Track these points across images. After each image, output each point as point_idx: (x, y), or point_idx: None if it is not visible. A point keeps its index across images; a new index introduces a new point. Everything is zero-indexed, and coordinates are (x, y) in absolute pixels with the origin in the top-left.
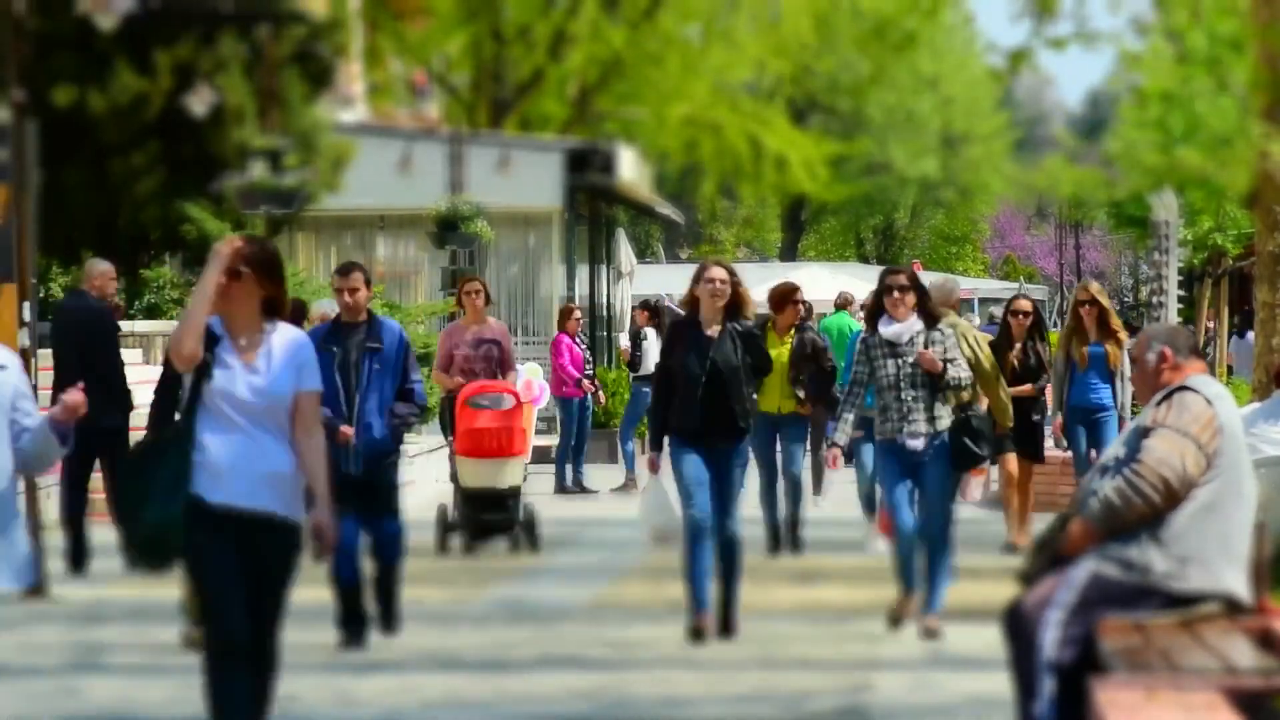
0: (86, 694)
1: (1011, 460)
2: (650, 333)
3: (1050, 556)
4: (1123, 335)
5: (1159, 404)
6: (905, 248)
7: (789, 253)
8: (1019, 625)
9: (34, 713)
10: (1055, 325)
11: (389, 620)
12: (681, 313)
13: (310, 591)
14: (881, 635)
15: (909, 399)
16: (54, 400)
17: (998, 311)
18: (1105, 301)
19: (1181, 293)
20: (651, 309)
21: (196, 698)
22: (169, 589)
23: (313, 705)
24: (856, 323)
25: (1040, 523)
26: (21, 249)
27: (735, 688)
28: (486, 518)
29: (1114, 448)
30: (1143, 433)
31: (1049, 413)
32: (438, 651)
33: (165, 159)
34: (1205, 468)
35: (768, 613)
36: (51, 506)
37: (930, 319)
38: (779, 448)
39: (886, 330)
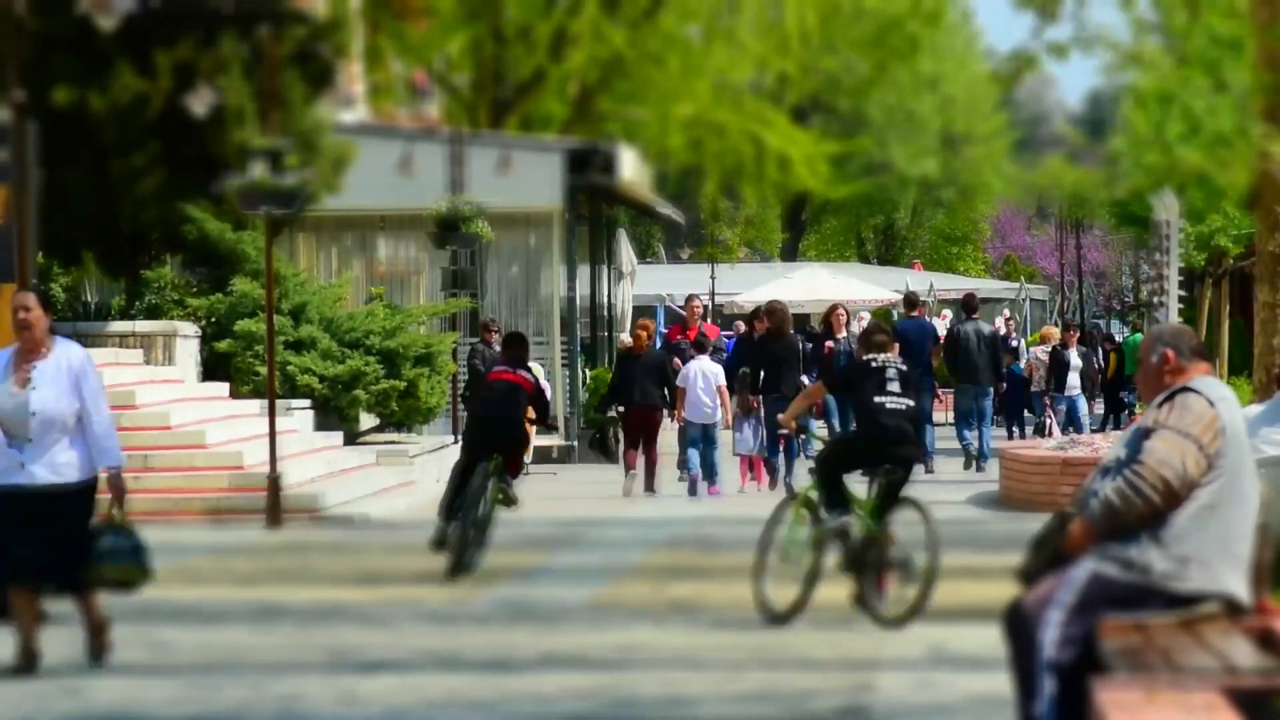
0: (89, 693)
1: None
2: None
3: (1050, 556)
4: None
5: (1161, 405)
6: (906, 248)
7: (790, 253)
8: (1019, 624)
9: (36, 712)
10: (1055, 325)
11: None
12: (681, 313)
13: (311, 592)
14: (883, 635)
15: None
16: None
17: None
18: None
19: (1182, 293)
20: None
21: (198, 696)
22: (170, 590)
23: (315, 704)
24: None
25: (1039, 521)
26: (22, 249)
27: (737, 687)
28: None
29: (1115, 449)
30: (1144, 434)
31: None
32: (439, 651)
33: (166, 159)
34: (1206, 469)
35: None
36: None
37: None
38: None
39: None
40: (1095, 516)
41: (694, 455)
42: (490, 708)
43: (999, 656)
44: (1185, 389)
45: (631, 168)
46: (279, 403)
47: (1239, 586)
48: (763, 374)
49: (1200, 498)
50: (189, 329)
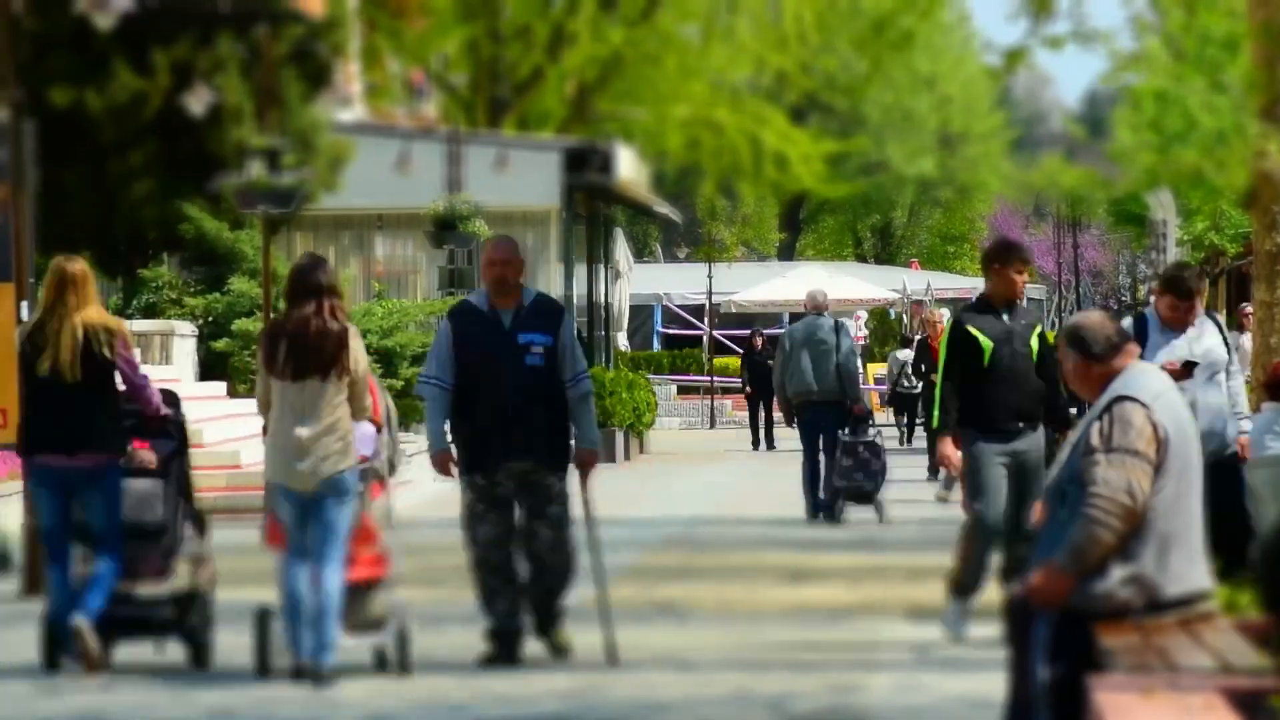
0: (64, 695)
1: None
2: None
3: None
4: None
5: (1099, 417)
6: (903, 247)
7: (787, 252)
8: (1019, 616)
9: (12, 714)
10: (1053, 326)
11: None
12: (681, 312)
13: None
14: (870, 636)
15: None
16: None
17: None
18: None
19: None
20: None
21: (172, 702)
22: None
23: (297, 706)
24: None
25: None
26: (19, 249)
27: (720, 689)
28: None
29: (1061, 469)
30: (1087, 450)
31: None
32: (422, 652)
33: (163, 158)
34: (1155, 478)
35: (756, 613)
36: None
37: None
38: None
39: None
40: (1064, 563)
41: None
42: (469, 709)
43: (986, 658)
44: (1121, 398)
45: (629, 167)
46: None
47: (1205, 578)
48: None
49: (1156, 507)
50: (186, 328)
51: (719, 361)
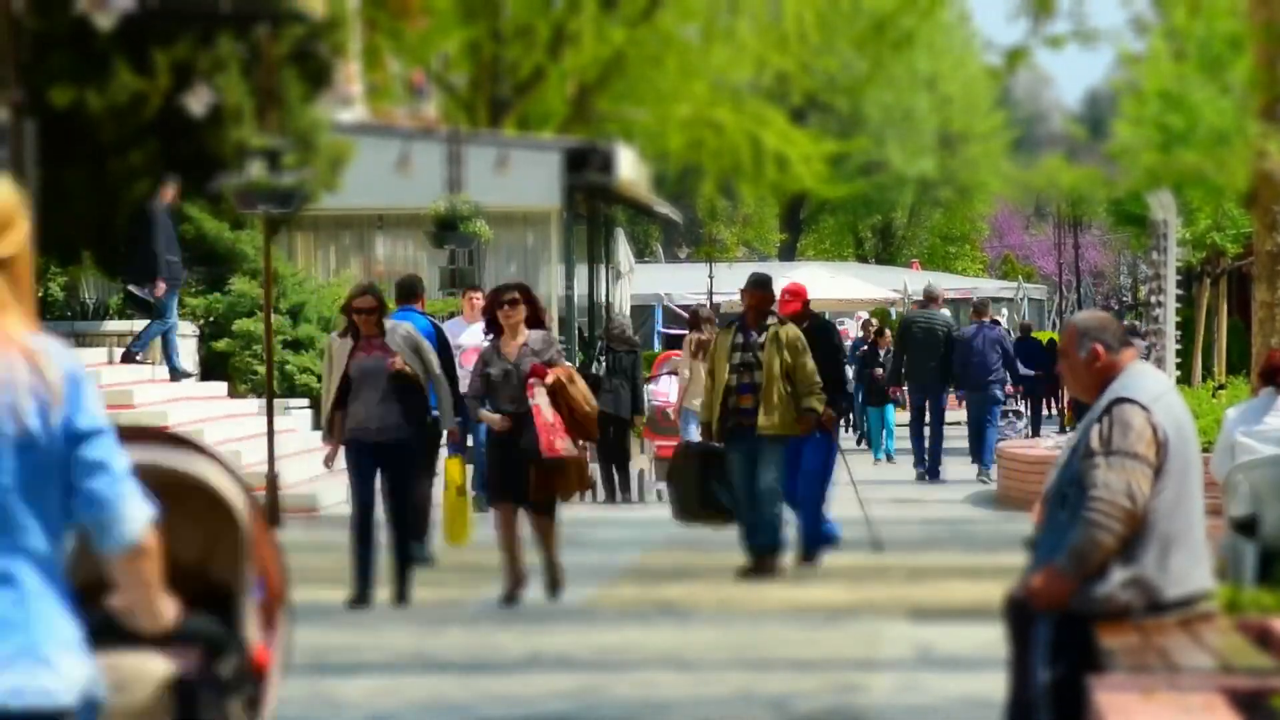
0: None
1: None
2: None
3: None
4: None
5: (1099, 419)
6: (904, 247)
7: (788, 252)
8: (1019, 616)
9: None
10: (1053, 325)
11: None
12: (683, 314)
13: (302, 593)
14: (872, 635)
15: None
16: None
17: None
18: None
19: (1180, 292)
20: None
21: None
22: None
23: (298, 706)
24: None
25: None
26: None
27: (722, 688)
28: None
29: (1060, 471)
30: (1086, 452)
31: None
32: (424, 653)
33: (163, 158)
34: (1154, 480)
35: (757, 613)
36: None
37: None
38: None
39: None
40: (1065, 566)
41: None
42: (470, 709)
43: (989, 657)
44: (1120, 400)
45: (629, 167)
46: (277, 402)
47: (1207, 578)
48: None
49: (1155, 509)
50: (187, 328)
51: None
